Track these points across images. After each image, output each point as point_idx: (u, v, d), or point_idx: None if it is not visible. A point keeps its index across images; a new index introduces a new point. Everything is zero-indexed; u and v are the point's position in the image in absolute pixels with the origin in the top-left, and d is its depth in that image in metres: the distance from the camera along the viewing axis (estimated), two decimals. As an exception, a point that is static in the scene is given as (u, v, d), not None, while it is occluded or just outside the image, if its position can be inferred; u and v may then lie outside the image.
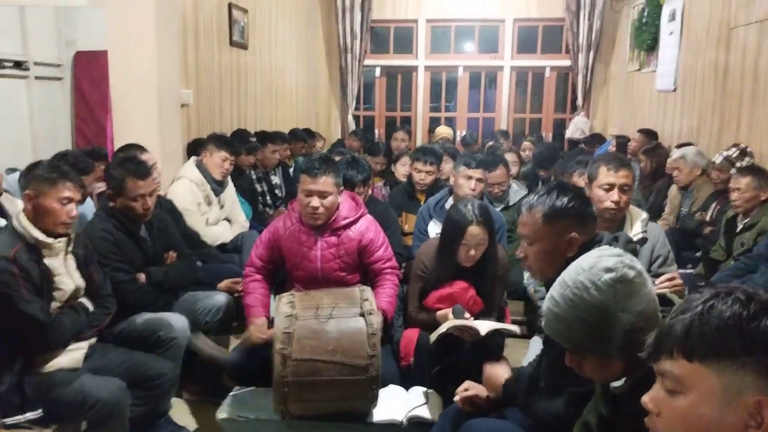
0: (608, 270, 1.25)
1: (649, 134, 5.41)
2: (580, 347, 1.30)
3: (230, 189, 3.99)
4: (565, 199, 1.72)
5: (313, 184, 2.53)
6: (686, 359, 0.91)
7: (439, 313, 2.52)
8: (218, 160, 3.74)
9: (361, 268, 2.73)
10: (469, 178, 3.26)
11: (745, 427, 0.87)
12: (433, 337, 2.39)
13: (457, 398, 1.98)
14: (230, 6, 4.86)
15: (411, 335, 2.61)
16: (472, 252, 2.51)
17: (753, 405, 0.86)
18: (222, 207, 3.88)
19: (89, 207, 3.27)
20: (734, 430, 0.88)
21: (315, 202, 2.53)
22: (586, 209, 1.76)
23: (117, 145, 3.49)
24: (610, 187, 2.35)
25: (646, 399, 1.00)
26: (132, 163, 2.71)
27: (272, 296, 2.87)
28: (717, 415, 0.89)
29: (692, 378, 0.91)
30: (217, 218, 3.80)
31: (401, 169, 4.62)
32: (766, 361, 0.86)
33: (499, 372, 1.96)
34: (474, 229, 2.48)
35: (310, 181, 2.53)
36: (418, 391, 2.41)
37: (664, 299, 1.40)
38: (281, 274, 2.84)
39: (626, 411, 1.27)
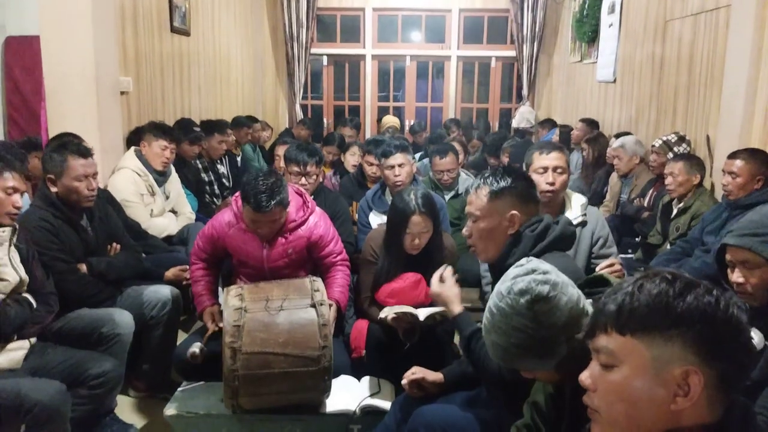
0: (522, 293, 1.28)
1: (591, 123, 5.58)
2: (528, 368, 1.34)
3: (175, 179, 3.88)
4: (509, 179, 1.85)
5: (265, 217, 2.40)
6: (619, 333, 0.97)
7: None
8: (158, 150, 3.63)
9: (311, 262, 2.69)
10: (391, 167, 3.26)
11: (674, 396, 0.93)
12: (382, 314, 2.41)
13: (404, 382, 2.01)
14: (171, -9, 4.71)
15: (360, 327, 2.61)
16: (417, 241, 2.55)
17: (680, 375, 0.92)
18: (167, 197, 3.78)
19: (24, 198, 3.13)
20: (664, 400, 0.94)
21: (266, 229, 2.47)
22: (528, 189, 1.89)
23: (52, 135, 3.34)
24: (544, 170, 2.46)
25: (583, 377, 1.05)
26: (72, 143, 2.63)
27: (220, 288, 2.82)
28: (648, 387, 0.95)
29: (625, 351, 0.97)
30: (162, 209, 3.69)
31: (350, 159, 4.63)
32: (690, 334, 0.92)
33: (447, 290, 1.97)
34: (417, 218, 2.51)
35: (261, 216, 2.38)
36: (370, 381, 2.42)
37: (600, 280, 1.44)
38: (227, 265, 2.79)
39: (572, 388, 1.31)
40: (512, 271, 1.36)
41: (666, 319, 0.94)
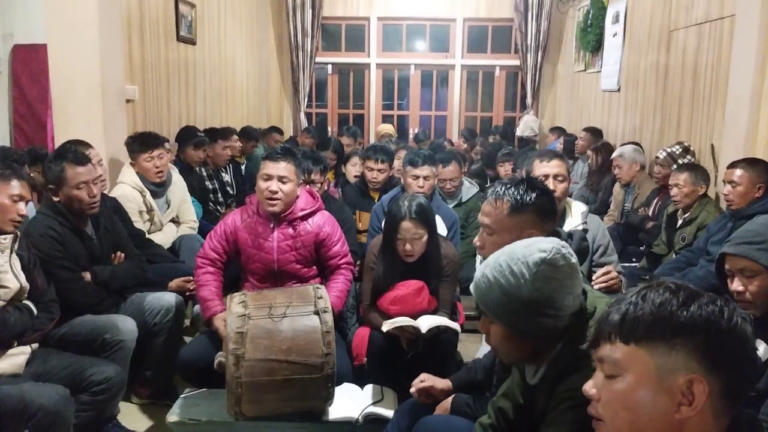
0: (541, 250, 1.30)
1: (595, 133, 5.58)
2: (491, 312, 1.34)
3: (177, 186, 3.80)
4: (533, 195, 1.76)
5: (273, 168, 2.57)
6: (623, 342, 0.98)
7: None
8: (145, 164, 3.49)
9: (318, 263, 2.73)
10: (416, 177, 3.27)
11: (678, 405, 0.93)
12: (384, 328, 2.41)
13: (413, 390, 2.00)
14: (177, 0, 4.74)
15: (362, 334, 2.61)
16: (408, 246, 2.55)
17: (684, 383, 0.92)
18: (169, 206, 3.72)
19: (29, 207, 3.14)
20: (669, 409, 0.94)
21: (274, 186, 2.56)
22: (550, 206, 1.81)
23: (58, 143, 3.36)
24: (545, 178, 2.43)
25: (587, 387, 1.05)
26: (69, 152, 2.65)
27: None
28: (652, 395, 0.95)
29: (629, 359, 0.97)
30: (160, 225, 3.60)
31: (352, 170, 4.58)
32: (694, 342, 0.93)
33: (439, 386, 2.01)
34: (407, 224, 2.52)
35: (271, 165, 2.58)
36: (373, 389, 2.41)
37: None
38: (232, 272, 2.79)
39: (542, 400, 1.35)
40: (544, 238, 1.39)
41: (670, 328, 0.94)
